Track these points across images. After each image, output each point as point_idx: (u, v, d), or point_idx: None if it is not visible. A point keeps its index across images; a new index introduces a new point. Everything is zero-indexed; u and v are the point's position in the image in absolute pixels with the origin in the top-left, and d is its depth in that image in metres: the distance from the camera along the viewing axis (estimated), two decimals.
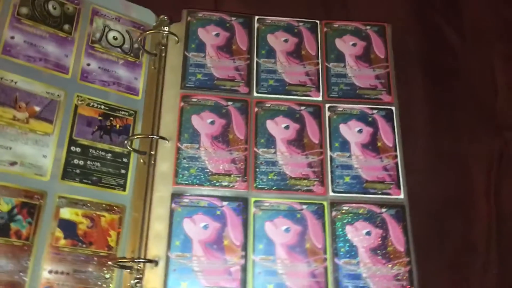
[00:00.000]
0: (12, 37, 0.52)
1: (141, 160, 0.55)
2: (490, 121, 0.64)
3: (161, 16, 0.60)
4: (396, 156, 0.54)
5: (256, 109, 0.55)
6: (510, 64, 0.67)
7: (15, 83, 0.51)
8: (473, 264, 0.56)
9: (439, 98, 0.64)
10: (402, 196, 0.52)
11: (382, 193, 0.52)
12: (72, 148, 0.52)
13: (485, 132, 0.63)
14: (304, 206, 0.51)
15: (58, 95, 0.53)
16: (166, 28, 0.59)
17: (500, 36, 0.69)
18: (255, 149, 0.53)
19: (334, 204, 0.52)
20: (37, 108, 0.51)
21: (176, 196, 0.50)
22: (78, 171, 0.52)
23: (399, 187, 0.53)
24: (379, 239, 0.50)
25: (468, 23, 0.69)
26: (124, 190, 0.54)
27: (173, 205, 0.50)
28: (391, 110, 0.56)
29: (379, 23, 0.61)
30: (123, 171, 0.54)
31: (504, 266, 0.56)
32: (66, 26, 0.56)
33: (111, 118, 0.55)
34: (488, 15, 0.70)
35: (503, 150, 0.62)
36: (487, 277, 0.55)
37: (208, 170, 0.52)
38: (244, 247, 0.49)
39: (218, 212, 0.50)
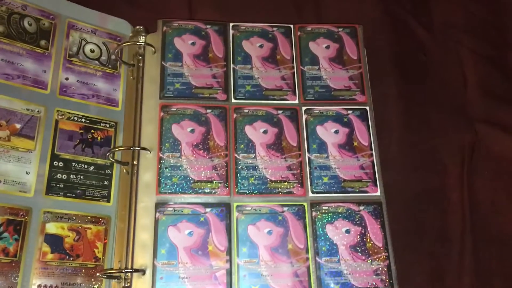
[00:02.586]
0: None
1: (124, 170, 0.56)
2: (461, 114, 0.66)
3: (137, 27, 0.60)
4: (372, 155, 0.56)
5: (234, 115, 0.56)
6: (478, 58, 0.69)
7: None
8: (449, 254, 0.58)
9: (411, 95, 0.66)
10: (378, 193, 0.54)
11: (360, 191, 0.54)
12: (55, 163, 0.53)
13: (456, 125, 0.65)
14: (285, 208, 0.53)
15: (38, 111, 0.54)
16: (143, 38, 0.59)
17: (467, 31, 0.71)
18: (235, 155, 0.55)
19: (314, 204, 0.53)
20: (18, 126, 0.52)
21: (160, 206, 0.52)
22: (61, 185, 0.53)
23: (375, 185, 0.55)
24: (358, 236, 0.52)
25: (436, 19, 0.71)
26: (108, 201, 0.55)
27: (158, 214, 0.51)
28: (366, 110, 0.58)
29: (351, 25, 0.62)
30: (106, 183, 0.55)
31: (478, 254, 0.58)
32: (43, 42, 0.56)
33: (92, 131, 0.56)
34: (455, 11, 0.72)
35: (474, 142, 0.64)
36: (463, 264, 0.58)
37: (190, 178, 0.53)
38: (229, 251, 0.51)
39: (202, 219, 0.52)
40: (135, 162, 0.55)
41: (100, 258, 0.52)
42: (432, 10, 0.71)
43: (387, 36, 0.69)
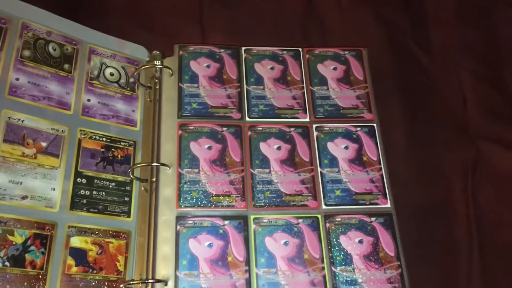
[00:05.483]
0: (17, 79, 0.55)
1: (143, 188, 0.58)
2: (463, 131, 0.69)
3: (154, 52, 0.64)
4: (381, 169, 0.58)
5: (249, 133, 0.59)
6: (476, 78, 0.73)
7: (22, 121, 0.54)
8: (457, 264, 0.61)
9: (414, 114, 0.70)
10: (389, 205, 0.57)
11: (371, 203, 0.57)
12: (78, 179, 0.55)
13: (458, 142, 0.68)
14: (300, 220, 0.55)
15: (62, 131, 0.56)
16: (159, 62, 0.62)
17: (464, 52, 0.75)
18: (251, 170, 0.57)
19: (327, 216, 0.56)
20: (44, 144, 0.54)
21: (180, 219, 0.54)
22: (85, 201, 0.55)
23: (385, 197, 0.57)
24: (371, 246, 0.54)
25: (435, 42, 0.76)
26: (129, 216, 0.57)
27: (178, 227, 0.53)
28: (373, 126, 0.61)
29: (356, 48, 0.66)
30: (126, 199, 0.57)
31: (485, 264, 0.61)
32: (66, 66, 0.59)
33: (113, 149, 0.59)
34: (451, 35, 0.76)
35: (477, 158, 0.67)
36: (471, 274, 0.60)
37: (208, 192, 0.55)
38: (247, 262, 0.52)
39: (221, 231, 0.54)
40: (153, 179, 0.57)
41: (121, 271, 0.54)
42: (430, 35, 0.75)
43: (389, 59, 0.73)
